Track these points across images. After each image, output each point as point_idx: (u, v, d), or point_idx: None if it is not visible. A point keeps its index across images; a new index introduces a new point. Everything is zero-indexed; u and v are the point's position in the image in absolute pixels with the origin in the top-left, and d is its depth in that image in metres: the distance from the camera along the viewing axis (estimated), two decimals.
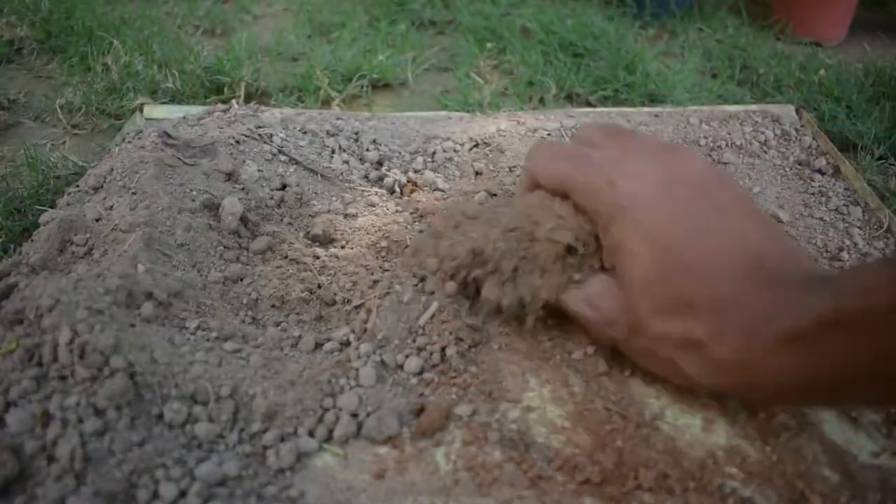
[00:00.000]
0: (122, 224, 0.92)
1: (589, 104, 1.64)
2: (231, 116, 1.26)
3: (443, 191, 1.17)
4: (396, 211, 1.11)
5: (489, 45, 1.87)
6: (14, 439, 0.69)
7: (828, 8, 1.95)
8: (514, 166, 1.23)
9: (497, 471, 0.72)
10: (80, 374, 0.72)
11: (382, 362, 0.85)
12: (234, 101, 1.34)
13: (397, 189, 1.18)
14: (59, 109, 1.48)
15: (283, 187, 1.09)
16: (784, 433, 0.77)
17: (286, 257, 0.99)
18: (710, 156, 1.32)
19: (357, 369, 0.83)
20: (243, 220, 1.00)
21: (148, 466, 0.68)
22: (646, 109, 1.47)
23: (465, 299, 0.87)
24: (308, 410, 0.79)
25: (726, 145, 1.34)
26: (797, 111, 1.46)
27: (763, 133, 1.38)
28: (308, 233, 1.04)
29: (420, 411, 0.78)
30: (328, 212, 1.08)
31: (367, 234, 1.04)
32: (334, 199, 1.11)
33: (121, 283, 0.83)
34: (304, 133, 1.25)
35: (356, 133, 1.29)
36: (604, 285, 0.69)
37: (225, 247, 0.98)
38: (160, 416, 0.73)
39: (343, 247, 1.03)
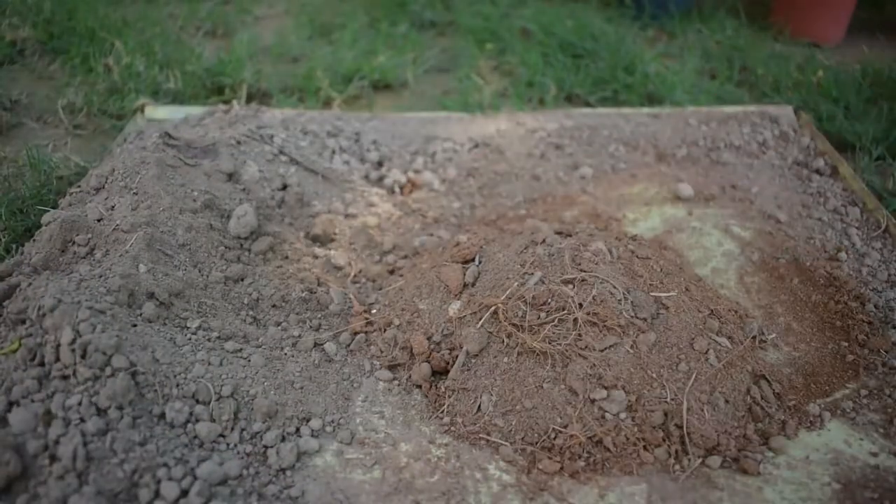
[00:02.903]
0: (124, 224, 0.92)
1: (588, 104, 1.64)
2: (232, 117, 1.26)
3: (436, 191, 1.17)
4: (396, 211, 1.11)
5: (489, 46, 1.88)
6: (17, 439, 0.69)
7: (826, 9, 1.96)
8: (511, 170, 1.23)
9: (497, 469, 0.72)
10: (81, 374, 0.72)
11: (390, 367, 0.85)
12: (234, 102, 1.35)
13: (397, 189, 1.18)
14: (60, 110, 1.48)
15: (284, 188, 1.10)
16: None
17: (286, 257, 1.00)
18: (709, 156, 1.33)
19: (360, 371, 0.83)
20: (253, 232, 1.01)
21: (150, 466, 0.69)
22: (645, 110, 1.47)
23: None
24: (308, 411, 0.79)
25: (725, 146, 1.35)
26: (795, 112, 1.47)
27: (762, 133, 1.38)
28: (308, 233, 1.05)
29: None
30: (329, 212, 1.08)
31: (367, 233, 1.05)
32: (335, 199, 1.11)
33: (122, 283, 0.83)
34: (305, 134, 1.26)
35: (357, 134, 1.30)
36: None
37: (226, 247, 0.98)
38: (162, 416, 0.73)
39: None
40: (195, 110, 1.37)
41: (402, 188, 1.19)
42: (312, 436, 0.77)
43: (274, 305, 0.94)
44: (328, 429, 0.78)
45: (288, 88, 1.66)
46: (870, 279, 1.03)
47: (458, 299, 0.92)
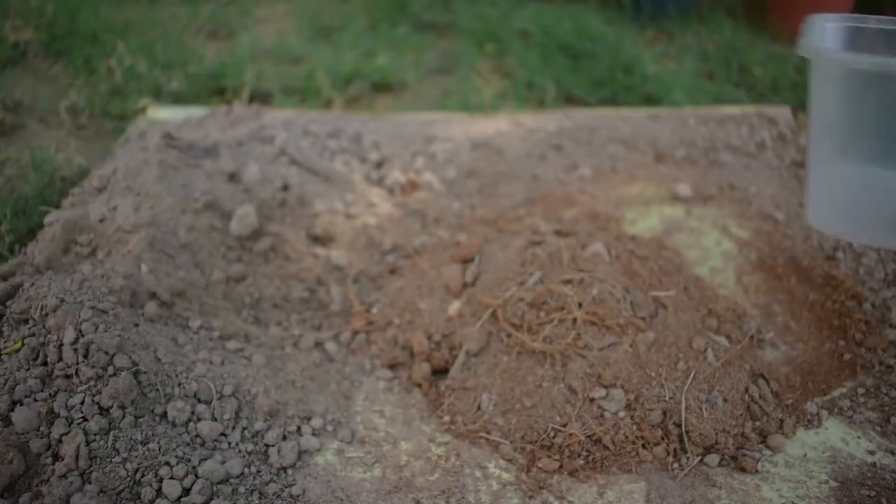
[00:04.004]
0: (126, 225, 0.93)
1: (587, 105, 1.65)
2: (233, 118, 1.27)
3: (436, 192, 1.18)
4: (397, 212, 1.12)
5: (489, 47, 1.89)
6: (20, 438, 0.70)
7: (823, 11, 1.97)
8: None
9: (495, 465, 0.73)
10: (84, 374, 0.73)
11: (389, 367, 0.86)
12: (236, 103, 1.36)
13: (397, 189, 1.19)
14: (63, 111, 1.49)
15: (285, 188, 1.10)
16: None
17: (288, 257, 1.00)
18: (707, 156, 1.34)
19: (360, 371, 0.84)
20: (254, 232, 1.01)
21: (152, 464, 0.69)
22: (644, 111, 1.48)
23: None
24: (310, 410, 0.80)
25: (723, 146, 1.35)
26: (793, 112, 1.47)
27: (760, 134, 1.39)
28: (309, 233, 1.06)
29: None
30: (330, 212, 1.09)
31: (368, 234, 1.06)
32: (336, 199, 1.12)
33: (125, 283, 0.84)
34: (306, 134, 1.26)
35: (357, 134, 1.30)
36: None
37: (227, 247, 0.99)
38: (164, 415, 0.74)
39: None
40: (197, 111, 1.38)
41: (402, 188, 1.20)
42: (313, 434, 0.77)
43: (275, 305, 0.95)
44: (329, 427, 0.79)
45: (289, 89, 1.67)
46: (867, 278, 1.03)
47: (458, 299, 0.93)
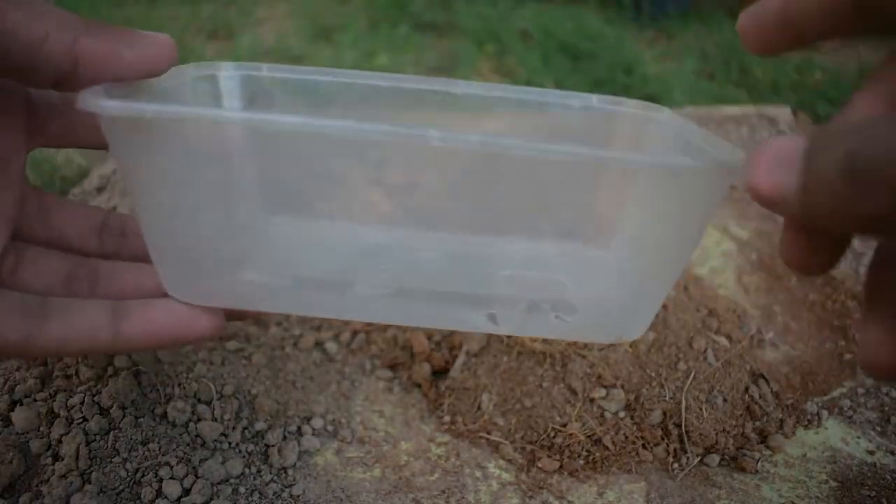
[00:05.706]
0: None
1: None
2: None
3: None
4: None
5: (489, 47, 1.89)
6: (20, 438, 0.70)
7: None
8: None
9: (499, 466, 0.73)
10: (84, 374, 0.73)
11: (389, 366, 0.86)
12: None
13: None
14: None
15: None
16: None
17: None
18: None
19: (360, 371, 0.84)
20: None
21: (152, 464, 0.69)
22: None
23: None
24: (310, 410, 0.80)
25: None
26: (793, 113, 1.47)
27: (759, 134, 1.39)
28: None
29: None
30: None
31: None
32: None
33: None
34: None
35: None
36: None
37: None
38: (164, 415, 0.74)
39: None
40: None
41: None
42: (313, 434, 0.77)
43: None
44: (329, 428, 0.79)
45: None
46: None
47: None
